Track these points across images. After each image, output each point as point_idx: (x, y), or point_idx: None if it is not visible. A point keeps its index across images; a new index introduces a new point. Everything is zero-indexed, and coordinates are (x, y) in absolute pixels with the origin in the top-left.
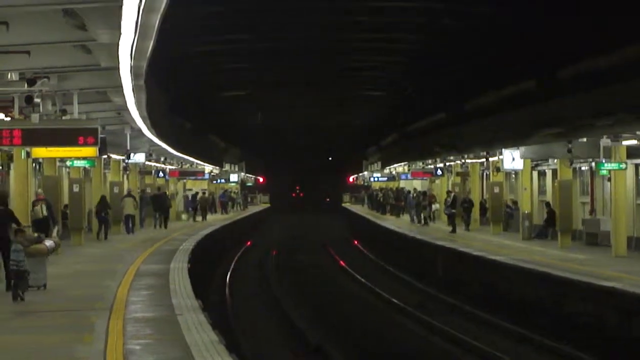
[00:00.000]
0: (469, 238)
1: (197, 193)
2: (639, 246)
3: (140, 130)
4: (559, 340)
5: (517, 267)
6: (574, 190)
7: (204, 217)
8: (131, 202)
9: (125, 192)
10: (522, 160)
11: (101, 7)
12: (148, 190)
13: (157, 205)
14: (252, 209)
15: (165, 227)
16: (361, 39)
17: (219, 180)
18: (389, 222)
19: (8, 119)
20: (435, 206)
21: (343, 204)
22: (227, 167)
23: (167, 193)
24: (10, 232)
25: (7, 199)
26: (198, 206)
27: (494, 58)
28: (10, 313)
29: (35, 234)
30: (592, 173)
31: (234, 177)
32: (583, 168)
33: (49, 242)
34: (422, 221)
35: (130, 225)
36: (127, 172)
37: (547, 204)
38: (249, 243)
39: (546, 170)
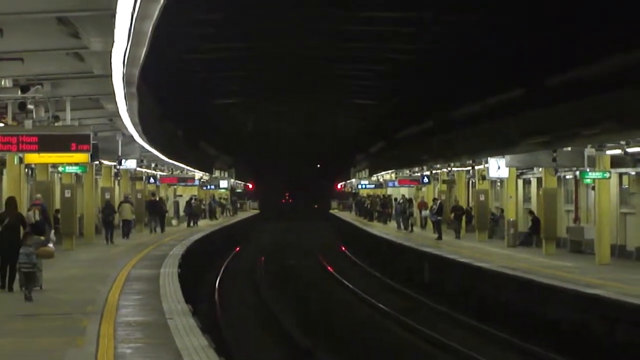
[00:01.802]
0: (455, 245)
1: (191, 199)
2: (622, 254)
3: (131, 137)
4: (543, 346)
5: (502, 274)
6: (559, 199)
7: (195, 223)
8: (128, 208)
9: (122, 198)
10: (508, 168)
11: (94, 15)
12: (139, 196)
13: (154, 210)
14: (242, 215)
15: (162, 230)
16: (350, 48)
17: (209, 187)
18: (376, 228)
19: (1, 124)
20: (425, 212)
21: (331, 211)
22: (217, 173)
23: (163, 199)
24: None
25: (16, 204)
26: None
27: (481, 67)
28: (1, 316)
29: (42, 238)
30: (577, 182)
31: (224, 184)
32: (567, 177)
33: (51, 245)
34: (409, 228)
35: (127, 230)
36: (119, 178)
37: (531, 212)
38: (237, 249)
39: (531, 179)
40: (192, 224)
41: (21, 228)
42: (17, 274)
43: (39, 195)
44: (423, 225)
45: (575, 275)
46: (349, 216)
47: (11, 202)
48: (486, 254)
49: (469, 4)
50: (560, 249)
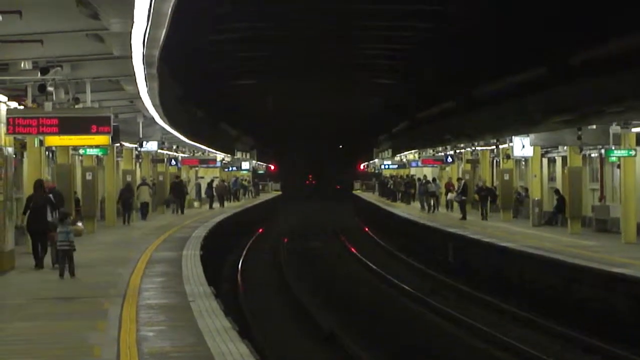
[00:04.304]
0: (479, 225)
1: (212, 180)
2: None
3: (152, 119)
4: (568, 325)
5: (527, 254)
6: (584, 177)
7: (222, 204)
8: (146, 190)
9: (140, 181)
10: (532, 147)
11: None
12: (161, 178)
13: (176, 192)
14: (264, 197)
15: (182, 212)
16: (372, 27)
17: (230, 168)
18: (400, 209)
19: (22, 107)
20: (450, 195)
21: (354, 191)
22: (238, 155)
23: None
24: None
25: (43, 186)
26: (214, 193)
27: (504, 44)
28: (25, 300)
29: (72, 217)
30: (602, 160)
31: (245, 165)
32: (593, 155)
33: (80, 224)
34: (432, 209)
35: (145, 212)
36: (140, 160)
37: (557, 191)
38: (261, 230)
39: (556, 157)
40: (213, 205)
41: (48, 209)
42: (47, 251)
43: (49, 178)
44: (449, 207)
45: (601, 254)
46: (372, 197)
47: (38, 184)
48: (511, 234)
49: None
50: (586, 228)
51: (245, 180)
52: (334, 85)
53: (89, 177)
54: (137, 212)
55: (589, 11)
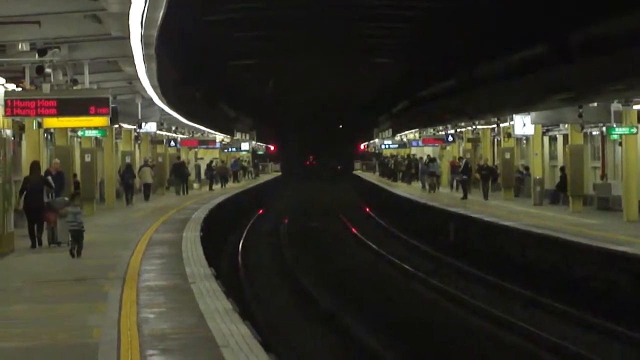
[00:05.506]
0: (480, 204)
1: (211, 161)
2: None
3: (151, 100)
4: (571, 305)
5: (530, 233)
6: (585, 155)
7: (223, 185)
8: (148, 171)
9: (142, 162)
10: (533, 125)
11: None
12: (160, 159)
13: (178, 173)
14: (264, 177)
15: (185, 193)
16: (371, 6)
17: (230, 149)
18: (401, 189)
19: (19, 89)
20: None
21: (354, 172)
22: (238, 135)
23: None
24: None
25: (40, 168)
26: (215, 174)
27: (505, 23)
28: (24, 282)
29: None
30: (603, 138)
31: (245, 146)
32: (594, 133)
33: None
34: (433, 188)
35: (147, 193)
36: (139, 141)
37: (562, 168)
38: (261, 211)
39: (557, 136)
40: (213, 187)
41: (45, 189)
42: (43, 231)
43: (58, 161)
44: (455, 187)
45: (602, 233)
46: (373, 177)
47: (35, 166)
48: (512, 213)
49: None
50: (587, 207)
51: (245, 161)
52: (334, 64)
53: (87, 158)
54: (136, 194)
55: None
